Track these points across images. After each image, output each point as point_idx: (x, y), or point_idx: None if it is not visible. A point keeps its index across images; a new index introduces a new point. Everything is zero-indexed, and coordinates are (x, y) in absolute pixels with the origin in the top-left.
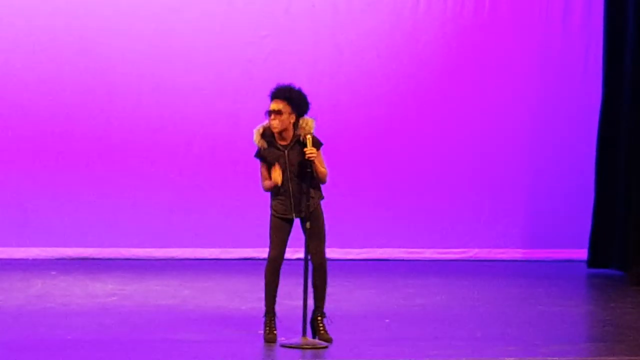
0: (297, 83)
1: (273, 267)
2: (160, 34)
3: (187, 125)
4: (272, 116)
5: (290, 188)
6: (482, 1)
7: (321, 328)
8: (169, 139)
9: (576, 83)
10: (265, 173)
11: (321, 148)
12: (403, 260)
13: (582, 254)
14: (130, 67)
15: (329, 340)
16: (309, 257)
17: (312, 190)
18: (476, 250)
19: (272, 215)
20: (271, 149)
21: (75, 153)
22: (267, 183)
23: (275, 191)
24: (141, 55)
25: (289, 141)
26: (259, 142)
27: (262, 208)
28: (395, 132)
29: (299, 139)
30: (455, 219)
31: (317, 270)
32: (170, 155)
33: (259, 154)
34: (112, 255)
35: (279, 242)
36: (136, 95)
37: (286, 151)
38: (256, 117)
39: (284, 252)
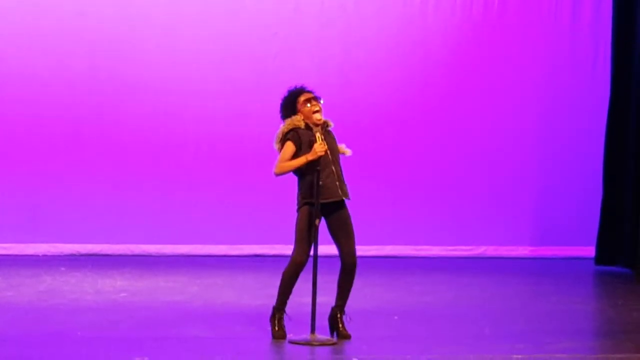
0: (306, 81)
1: (295, 271)
2: (168, 33)
3: (196, 123)
4: (315, 102)
5: (334, 170)
6: (491, 1)
7: (340, 325)
8: (179, 137)
9: (585, 82)
10: (289, 154)
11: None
12: (411, 257)
13: (590, 251)
14: (140, 67)
15: (347, 337)
16: (343, 258)
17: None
18: (484, 247)
19: (317, 213)
20: (306, 130)
21: (85, 150)
22: (290, 163)
23: (315, 178)
24: (152, 55)
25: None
26: (298, 121)
27: (271, 205)
28: (403, 130)
29: (326, 128)
30: (463, 216)
31: (350, 270)
32: (180, 152)
33: (295, 134)
34: (121, 252)
35: (307, 247)
36: (146, 94)
37: (322, 136)
38: (265, 115)
39: (308, 258)
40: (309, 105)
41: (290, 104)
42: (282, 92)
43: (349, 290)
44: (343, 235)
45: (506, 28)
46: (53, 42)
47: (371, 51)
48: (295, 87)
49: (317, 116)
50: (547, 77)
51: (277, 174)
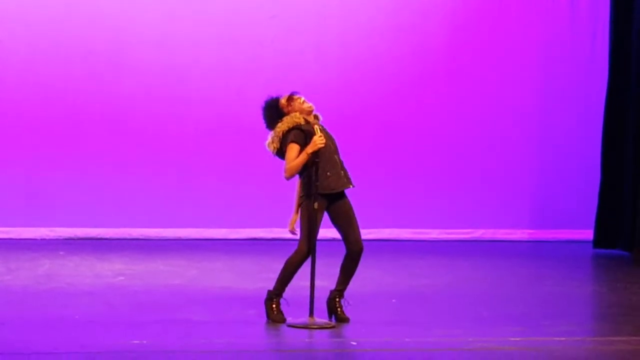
0: (304, 65)
1: (301, 262)
2: (167, 16)
3: (194, 106)
4: (296, 96)
5: (337, 159)
6: None
7: (339, 309)
8: (177, 120)
9: (583, 66)
10: (295, 156)
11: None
12: (410, 240)
13: (588, 234)
14: (139, 50)
15: (346, 321)
16: (349, 246)
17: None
18: (483, 230)
19: (315, 196)
20: (308, 125)
21: (84, 134)
22: (295, 162)
23: (313, 170)
24: (150, 38)
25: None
26: (299, 118)
27: (270, 189)
28: (402, 114)
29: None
30: (461, 199)
31: (356, 258)
32: (178, 136)
33: (298, 132)
34: (119, 235)
35: (314, 238)
36: (145, 77)
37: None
38: (263, 99)
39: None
40: (292, 102)
41: (275, 111)
42: (279, 77)
43: (351, 276)
44: (347, 224)
45: (504, 13)
46: (48, 23)
47: (370, 36)
48: (269, 98)
49: (306, 105)
50: (545, 61)
51: (288, 178)
